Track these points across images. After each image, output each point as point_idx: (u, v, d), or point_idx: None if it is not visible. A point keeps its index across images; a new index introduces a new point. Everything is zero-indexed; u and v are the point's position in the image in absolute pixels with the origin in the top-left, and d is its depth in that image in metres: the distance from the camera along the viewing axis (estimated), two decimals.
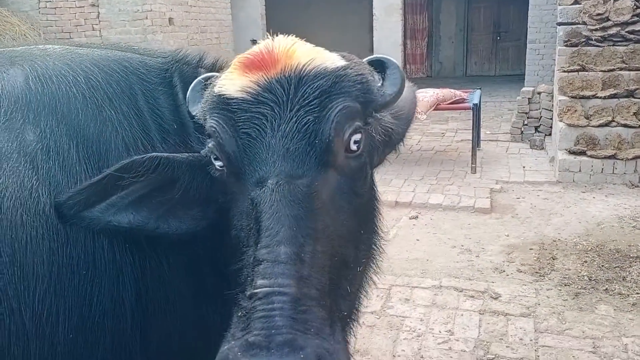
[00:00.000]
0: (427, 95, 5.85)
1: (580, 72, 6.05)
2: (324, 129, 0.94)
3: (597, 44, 6.22)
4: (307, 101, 0.94)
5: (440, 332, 3.06)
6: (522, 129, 7.15)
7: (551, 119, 6.96)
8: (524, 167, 6.09)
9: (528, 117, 7.13)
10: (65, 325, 0.92)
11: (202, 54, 1.28)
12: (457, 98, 6.02)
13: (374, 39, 11.10)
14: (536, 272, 3.74)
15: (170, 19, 8.27)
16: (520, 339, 2.98)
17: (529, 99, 7.07)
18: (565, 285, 3.56)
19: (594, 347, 2.86)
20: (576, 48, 6.27)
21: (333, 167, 0.95)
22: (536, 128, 7.11)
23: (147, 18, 7.82)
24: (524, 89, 7.25)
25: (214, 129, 0.96)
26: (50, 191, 0.93)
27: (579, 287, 3.51)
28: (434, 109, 5.82)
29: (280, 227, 0.86)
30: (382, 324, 3.16)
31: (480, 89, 7.04)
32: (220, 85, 0.98)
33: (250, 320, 0.78)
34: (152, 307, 1.05)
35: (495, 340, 2.97)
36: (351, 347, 2.93)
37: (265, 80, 0.96)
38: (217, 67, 1.27)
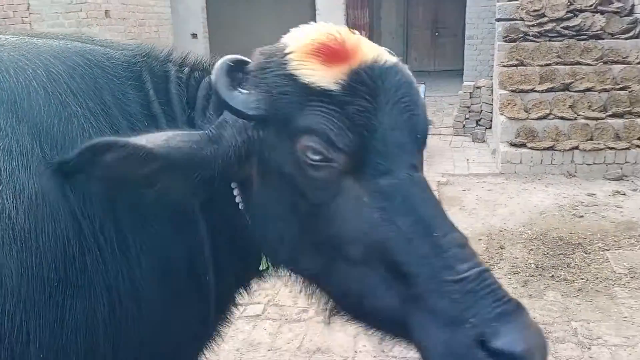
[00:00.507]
0: None
1: (519, 67, 6.28)
2: (422, 122, 0.96)
3: (534, 39, 6.48)
4: (399, 95, 0.93)
5: None
6: (464, 123, 7.35)
7: (491, 112, 7.19)
8: (467, 159, 6.26)
9: (469, 111, 7.33)
10: (36, 344, 0.84)
11: (169, 48, 1.20)
12: None
13: None
14: (486, 262, 3.84)
15: (106, 12, 7.92)
16: None
17: (470, 93, 7.27)
18: (514, 273, 3.67)
19: (546, 333, 2.96)
20: (514, 43, 6.51)
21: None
22: (477, 122, 7.32)
23: (81, 10, 7.45)
24: (465, 83, 7.45)
25: (321, 124, 0.88)
26: (15, 195, 0.84)
27: (527, 274, 3.64)
28: None
29: (439, 214, 0.90)
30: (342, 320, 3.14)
31: (424, 84, 7.16)
32: (306, 76, 0.90)
33: (478, 298, 0.81)
34: (125, 316, 0.98)
35: None
36: (314, 345, 2.90)
37: (354, 72, 0.91)
38: (189, 62, 1.19)
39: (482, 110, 7.26)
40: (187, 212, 1.05)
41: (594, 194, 4.96)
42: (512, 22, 6.69)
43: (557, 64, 6.23)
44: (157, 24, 9.70)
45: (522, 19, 6.66)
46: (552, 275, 3.61)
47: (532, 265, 3.75)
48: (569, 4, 6.53)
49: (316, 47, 0.92)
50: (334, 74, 0.90)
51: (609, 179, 5.29)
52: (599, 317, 3.10)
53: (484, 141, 6.91)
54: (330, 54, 0.91)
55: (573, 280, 3.54)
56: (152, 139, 0.91)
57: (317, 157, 0.89)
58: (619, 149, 5.33)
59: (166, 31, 10.07)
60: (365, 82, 0.91)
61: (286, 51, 0.94)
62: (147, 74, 1.09)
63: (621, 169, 5.34)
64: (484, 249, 4.06)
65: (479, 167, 5.91)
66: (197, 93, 1.11)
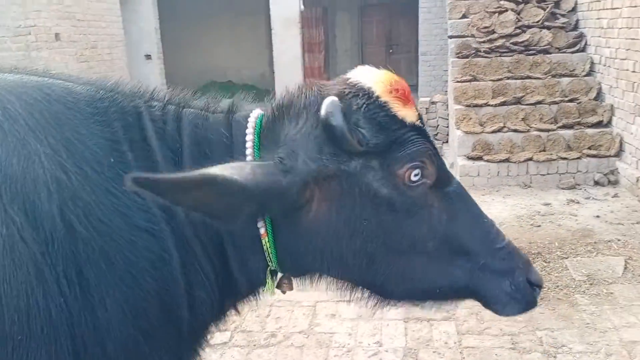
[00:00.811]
0: None
1: (472, 82, 6.45)
2: None
3: (486, 55, 6.68)
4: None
5: (369, 344, 3.06)
6: None
7: (447, 127, 7.35)
8: None
9: (427, 126, 7.46)
10: None
11: (137, 83, 1.16)
12: None
13: (273, 53, 11.12)
14: None
15: (56, 35, 7.71)
16: (445, 343, 3.06)
17: (426, 109, 7.41)
18: None
19: (512, 344, 3.01)
20: (467, 59, 6.69)
21: None
22: (435, 136, 7.45)
23: (30, 34, 7.22)
24: (421, 99, 7.59)
25: (421, 152, 1.10)
26: None
27: None
28: None
29: (478, 206, 1.22)
30: (311, 342, 3.11)
31: None
32: (405, 116, 1.10)
33: (514, 256, 1.20)
34: None
35: (422, 346, 3.03)
36: None
37: (417, 113, 1.16)
38: (159, 97, 1.14)
39: (438, 125, 7.41)
40: (170, 241, 1.02)
41: (550, 204, 5.11)
42: (464, 39, 6.88)
43: (508, 78, 6.43)
44: (109, 46, 9.52)
45: (473, 36, 6.86)
46: None
47: None
48: (517, 20, 6.78)
49: (395, 89, 1.10)
50: (413, 111, 1.13)
51: (563, 188, 5.47)
52: (562, 325, 3.18)
53: (442, 155, 7.03)
54: (404, 95, 1.11)
55: None
56: (239, 172, 0.95)
57: (416, 179, 1.10)
58: (570, 159, 5.52)
59: (119, 53, 9.90)
60: (420, 120, 1.17)
61: (375, 92, 1.09)
62: (115, 110, 1.05)
63: (573, 178, 5.53)
64: None
65: None
66: (233, 131, 1.13)
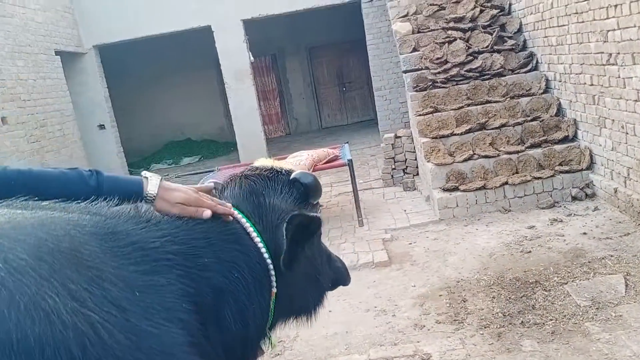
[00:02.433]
0: (302, 158, 5.80)
1: (434, 114, 6.45)
2: None
3: (443, 85, 6.73)
4: None
5: None
6: (392, 174, 7.41)
7: (415, 160, 7.31)
8: (404, 210, 6.25)
9: (395, 162, 7.42)
10: None
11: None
12: (332, 156, 6.06)
13: (229, 106, 11.00)
14: (454, 320, 3.72)
15: (2, 119, 7.39)
16: None
17: (392, 144, 7.37)
18: (484, 327, 3.57)
19: None
20: (425, 92, 6.72)
21: None
22: (404, 170, 7.41)
23: None
24: (385, 136, 7.56)
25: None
26: None
27: (497, 325, 3.55)
28: (313, 171, 5.77)
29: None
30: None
31: (347, 142, 7.21)
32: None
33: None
34: None
35: None
36: None
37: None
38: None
39: (406, 159, 7.36)
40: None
41: (534, 226, 5.06)
42: (419, 72, 6.93)
43: (468, 105, 6.47)
44: (60, 122, 9.21)
45: (427, 68, 6.92)
46: (522, 322, 3.54)
47: (500, 315, 3.68)
48: (467, 47, 6.88)
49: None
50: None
51: (542, 208, 5.44)
52: (581, 359, 3.04)
53: (415, 189, 6.97)
54: None
55: (543, 323, 3.48)
56: None
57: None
58: (545, 178, 5.52)
59: (70, 127, 9.60)
60: None
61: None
62: (132, 241, 0.94)
63: (551, 196, 5.51)
64: (448, 305, 3.95)
65: (418, 217, 5.90)
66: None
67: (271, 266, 1.18)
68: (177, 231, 1.06)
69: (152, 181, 1.18)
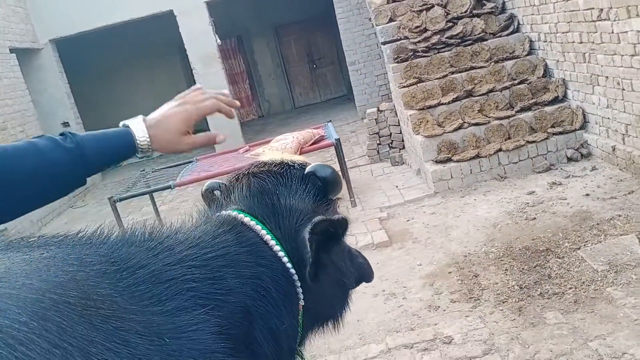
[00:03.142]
0: (287, 142, 5.54)
1: (419, 84, 6.25)
2: None
3: (424, 54, 6.51)
4: None
5: None
6: (378, 149, 7.21)
7: (400, 133, 7.12)
8: (396, 186, 6.07)
9: (380, 137, 7.21)
10: None
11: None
12: (317, 137, 5.81)
13: None
14: (470, 298, 3.57)
15: None
16: None
17: (375, 119, 7.15)
18: (502, 302, 3.43)
19: None
20: (407, 62, 6.49)
21: None
22: (390, 145, 7.21)
23: None
24: (368, 110, 7.34)
25: None
26: None
27: (516, 299, 3.41)
28: (300, 154, 5.52)
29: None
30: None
31: (330, 121, 6.96)
32: None
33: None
34: None
35: None
36: None
37: None
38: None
39: (391, 133, 7.16)
40: None
41: (534, 191, 4.93)
42: (398, 43, 6.69)
43: (452, 73, 6.28)
44: (21, 123, 8.71)
45: (406, 38, 6.68)
46: (540, 293, 3.40)
47: (516, 287, 3.53)
48: (446, 14, 6.67)
49: None
50: None
51: (539, 172, 5.32)
52: (610, 328, 2.91)
53: (403, 163, 6.79)
54: None
55: (563, 293, 3.35)
56: None
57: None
58: (538, 141, 5.39)
59: (33, 127, 9.09)
60: None
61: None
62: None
63: (546, 159, 5.39)
64: (459, 282, 3.79)
65: (412, 192, 5.72)
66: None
67: (296, 277, 1.01)
68: (193, 251, 0.88)
69: (135, 125, 1.03)
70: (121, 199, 5.79)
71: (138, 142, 1.01)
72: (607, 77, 4.77)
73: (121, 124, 1.06)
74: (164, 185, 5.90)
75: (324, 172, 1.22)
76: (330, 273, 1.17)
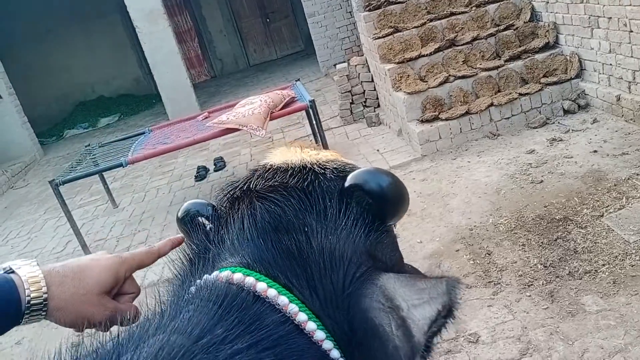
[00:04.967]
0: (254, 106, 4.85)
1: (395, 34, 5.63)
2: None
3: (398, 0, 5.86)
4: None
5: None
6: (351, 109, 6.61)
7: (374, 90, 6.52)
8: (377, 150, 5.52)
9: (352, 95, 6.60)
10: None
11: None
12: (288, 99, 5.14)
13: (145, 53, 9.61)
14: (488, 282, 3.10)
15: None
16: None
17: (347, 75, 6.52)
18: (528, 285, 2.98)
19: None
20: (380, 10, 5.84)
21: None
22: (363, 104, 6.62)
23: None
24: (339, 66, 6.68)
25: None
26: None
27: (543, 282, 2.96)
28: (270, 120, 4.86)
29: None
30: None
31: (299, 80, 6.28)
32: None
33: None
34: None
35: None
36: None
37: None
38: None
39: (364, 91, 6.56)
40: None
41: (533, 150, 4.48)
42: None
43: (431, 20, 5.68)
44: None
45: None
46: (569, 273, 2.97)
47: (540, 267, 3.09)
48: None
49: None
50: None
51: (534, 127, 4.86)
52: None
53: (380, 123, 6.23)
54: None
55: (596, 271, 2.92)
56: None
57: None
58: (532, 93, 4.91)
59: None
60: None
61: None
62: None
63: (540, 112, 4.94)
64: (471, 262, 3.32)
65: (396, 156, 5.19)
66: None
67: None
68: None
69: (24, 270, 0.70)
70: (64, 182, 5.02)
71: (29, 301, 0.67)
72: (610, 17, 4.28)
73: (6, 265, 0.71)
74: (114, 163, 5.15)
75: (377, 182, 0.68)
76: None
